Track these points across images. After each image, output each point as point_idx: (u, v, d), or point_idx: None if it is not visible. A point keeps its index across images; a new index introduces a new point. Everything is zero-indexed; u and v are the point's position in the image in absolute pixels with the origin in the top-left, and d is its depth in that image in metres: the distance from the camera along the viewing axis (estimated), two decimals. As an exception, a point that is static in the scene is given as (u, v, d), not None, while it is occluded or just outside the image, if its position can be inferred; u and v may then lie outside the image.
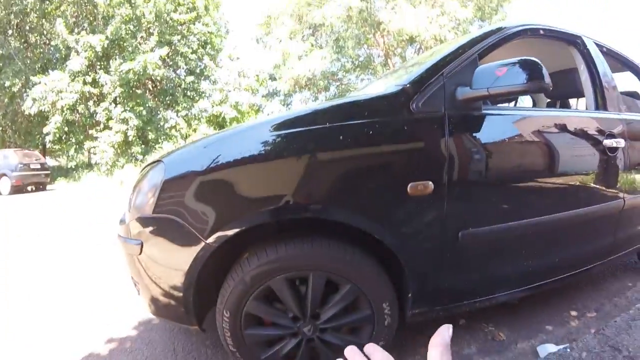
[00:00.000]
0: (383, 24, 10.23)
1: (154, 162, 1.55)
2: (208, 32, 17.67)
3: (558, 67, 2.38)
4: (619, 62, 2.65)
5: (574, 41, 2.17)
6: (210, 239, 1.32)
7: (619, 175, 2.07)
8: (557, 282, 1.94)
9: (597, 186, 1.99)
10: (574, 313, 2.18)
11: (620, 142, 2.00)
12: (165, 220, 1.37)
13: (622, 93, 2.75)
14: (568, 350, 1.72)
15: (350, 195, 1.35)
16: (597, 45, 2.30)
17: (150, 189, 1.43)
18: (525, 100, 3.46)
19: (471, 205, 1.54)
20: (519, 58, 1.40)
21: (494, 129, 1.60)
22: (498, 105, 1.58)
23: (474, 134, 1.54)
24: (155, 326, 2.20)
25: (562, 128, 1.84)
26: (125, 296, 2.59)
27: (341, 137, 1.34)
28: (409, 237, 1.44)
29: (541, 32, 2.02)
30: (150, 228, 1.43)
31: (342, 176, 1.35)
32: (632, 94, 2.82)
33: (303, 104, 18.97)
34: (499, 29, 1.82)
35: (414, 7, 9.68)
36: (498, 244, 1.65)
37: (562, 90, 2.35)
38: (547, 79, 1.39)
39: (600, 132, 1.97)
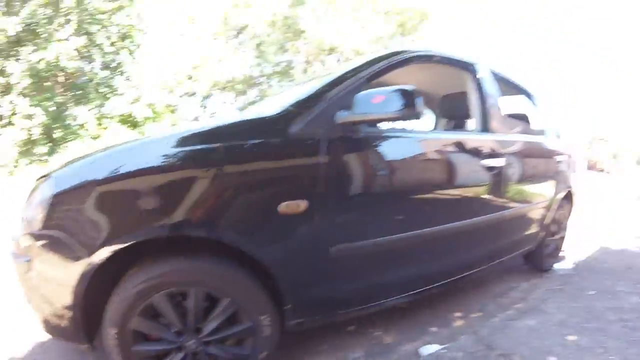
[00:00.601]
0: (305, 32, 10.39)
1: (44, 175, 1.51)
2: (129, 25, 16.40)
3: (456, 89, 2.61)
4: (512, 87, 2.99)
5: (466, 67, 2.40)
6: (96, 255, 1.31)
7: (499, 190, 2.34)
8: (442, 286, 2.13)
9: (478, 201, 2.24)
10: (458, 314, 2.38)
11: (501, 161, 2.27)
12: (53, 236, 1.34)
13: (511, 115, 3.11)
14: (445, 350, 1.89)
15: (223, 213, 1.40)
16: (492, 72, 2.58)
17: (39, 204, 1.39)
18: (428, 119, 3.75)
19: (343, 223, 1.64)
20: (395, 87, 1.54)
21: (371, 151, 1.72)
22: (380, 127, 1.72)
23: (350, 156, 1.65)
24: (51, 346, 2.04)
25: (442, 148, 2.04)
26: (22, 315, 2.32)
27: (220, 157, 1.40)
28: (282, 253, 1.52)
29: (434, 59, 2.23)
30: (39, 244, 1.38)
31: (217, 194, 1.39)
32: (521, 117, 3.13)
33: (222, 107, 18.45)
34: (392, 54, 1.97)
35: (335, 18, 10.02)
36: (373, 256, 1.78)
37: (457, 112, 2.58)
38: (419, 108, 1.53)
39: (482, 151, 2.21)
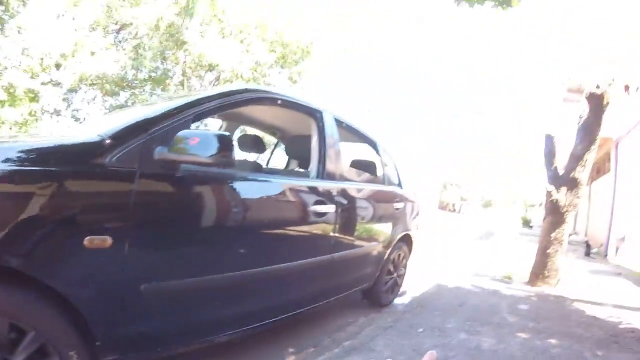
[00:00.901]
0: (187, 44, 10.04)
1: None
2: None
3: (303, 133, 2.71)
4: (358, 135, 3.20)
5: (312, 114, 2.52)
6: None
7: (330, 234, 2.46)
8: (275, 322, 2.17)
9: (305, 243, 2.34)
10: (292, 349, 2.41)
11: (331, 208, 2.39)
12: None
13: (354, 163, 3.32)
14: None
15: (26, 244, 1.27)
16: (337, 120, 2.71)
17: None
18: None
19: (156, 261, 1.60)
20: (213, 132, 1.56)
21: (189, 189, 1.70)
22: (204, 167, 1.70)
23: (165, 194, 1.62)
24: None
25: (270, 192, 2.11)
26: None
27: (24, 181, 1.27)
28: (89, 288, 1.42)
29: (279, 101, 2.28)
30: None
31: (21, 223, 1.25)
32: (363, 165, 3.30)
33: (86, 105, 16.65)
34: (234, 92, 1.99)
35: (222, 37, 9.89)
36: (190, 294, 1.74)
37: (301, 154, 2.68)
38: (232, 156, 1.58)
39: (313, 197, 2.31)
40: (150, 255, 1.57)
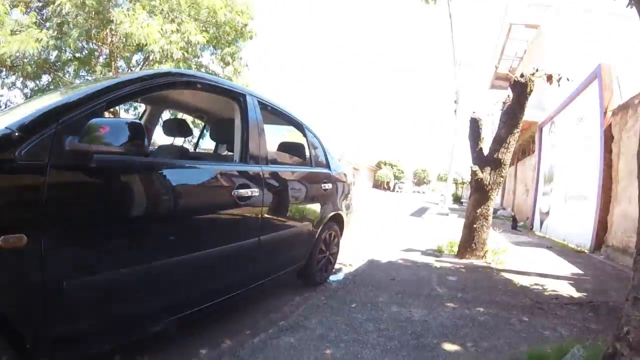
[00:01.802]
0: (113, 23, 9.39)
1: None
2: None
3: (227, 116, 2.65)
4: (284, 118, 3.19)
5: (234, 97, 2.48)
6: None
7: (256, 217, 2.46)
8: (208, 307, 2.17)
9: (230, 227, 2.33)
10: (229, 334, 2.40)
11: (255, 191, 2.38)
12: None
13: (285, 144, 3.31)
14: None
15: None
16: (261, 103, 2.69)
17: None
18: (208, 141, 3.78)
19: (76, 255, 1.53)
20: (125, 119, 1.51)
21: (104, 179, 1.64)
22: (121, 155, 1.63)
23: (79, 185, 1.56)
24: None
25: (187, 177, 2.07)
26: None
27: None
28: (11, 290, 1.34)
29: (200, 85, 2.22)
30: None
31: None
32: (296, 146, 3.38)
33: (6, 90, 15.22)
34: (156, 75, 1.91)
35: (150, 15, 9.34)
36: (114, 288, 1.69)
37: (225, 139, 2.63)
38: (145, 144, 1.53)
39: (236, 182, 2.30)
40: (69, 251, 1.50)
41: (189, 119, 5.13)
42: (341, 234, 3.97)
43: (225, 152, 3.40)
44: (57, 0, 10.21)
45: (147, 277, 1.81)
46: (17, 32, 11.18)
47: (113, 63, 11.00)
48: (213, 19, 10.20)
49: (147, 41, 8.54)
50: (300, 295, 3.30)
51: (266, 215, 2.55)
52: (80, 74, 11.70)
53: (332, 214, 3.59)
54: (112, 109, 7.04)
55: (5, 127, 1.38)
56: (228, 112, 2.60)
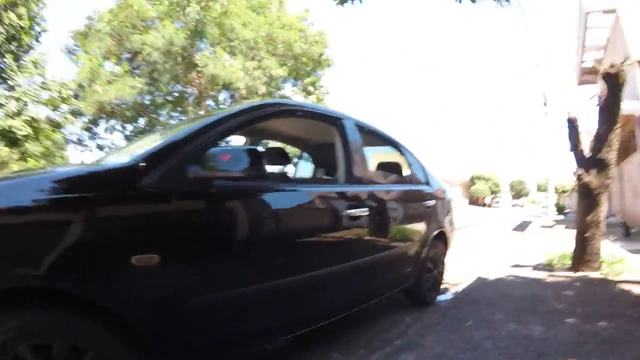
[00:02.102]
0: (199, 66, 10.26)
1: None
2: (20, 26, 14.48)
3: (325, 141, 2.74)
4: (379, 139, 3.21)
5: (332, 121, 2.55)
6: None
7: (367, 236, 2.47)
8: (318, 327, 2.18)
9: (343, 247, 2.35)
10: (342, 352, 2.43)
11: (364, 211, 2.40)
12: None
13: (383, 164, 3.33)
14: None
15: (78, 267, 1.33)
16: (358, 125, 2.74)
17: None
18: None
19: (199, 275, 1.63)
20: (243, 147, 1.64)
21: (225, 204, 1.75)
22: (236, 181, 1.74)
23: (202, 211, 1.67)
24: None
25: (303, 201, 2.14)
26: None
27: (72, 208, 1.33)
28: (142, 307, 1.46)
29: (299, 113, 2.33)
30: None
31: (71, 247, 1.31)
32: (389, 167, 3.33)
33: (109, 134, 17.17)
34: (256, 108, 2.03)
35: (231, 56, 10.05)
36: (236, 305, 1.77)
37: (325, 162, 2.71)
38: (263, 168, 1.63)
39: (345, 202, 2.33)
40: (195, 270, 1.61)
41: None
42: (446, 252, 3.86)
43: (323, 177, 3.46)
44: (145, 50, 11.41)
45: (264, 296, 1.88)
46: (112, 82, 12.62)
47: (202, 102, 11.94)
48: (290, 52, 10.73)
49: (232, 80, 9.17)
50: (410, 315, 3.23)
51: (376, 235, 2.56)
52: (173, 114, 12.88)
53: (437, 231, 3.51)
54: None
55: (132, 159, 1.53)
56: (326, 137, 2.68)
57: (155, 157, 1.55)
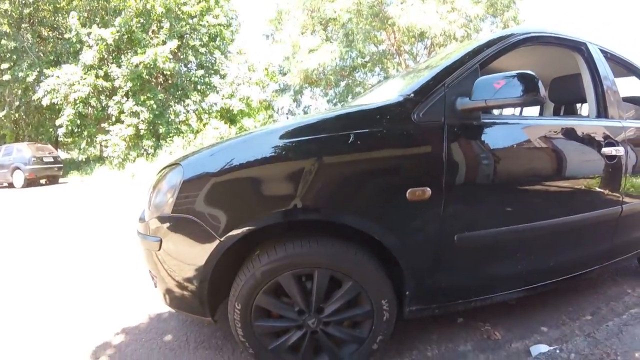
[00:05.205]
0: (392, 19, 10.19)
1: (172, 164, 1.65)
2: (218, 25, 17.60)
3: (564, 72, 2.41)
4: (623, 67, 2.65)
5: (577, 47, 2.20)
6: (224, 237, 1.43)
7: (618, 182, 2.12)
8: (554, 284, 2.01)
9: (595, 193, 2.04)
10: (569, 315, 2.22)
11: (620, 150, 2.05)
12: (183, 219, 1.48)
13: (625, 99, 2.77)
14: (558, 351, 1.78)
15: (353, 200, 1.45)
16: (602, 51, 2.32)
17: (169, 190, 1.54)
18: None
19: (468, 210, 1.62)
20: (516, 72, 1.48)
21: (493, 137, 1.67)
22: (498, 114, 1.63)
23: (472, 143, 1.62)
24: (168, 318, 2.29)
25: (561, 136, 1.91)
26: (140, 290, 2.68)
27: (346, 145, 1.44)
28: (408, 239, 1.53)
29: (546, 39, 2.07)
30: (169, 226, 1.54)
31: (346, 181, 1.44)
32: (635, 100, 2.80)
33: (313, 101, 19.04)
34: (503, 37, 1.86)
35: (423, 2, 9.65)
36: (494, 246, 1.73)
37: (567, 96, 2.38)
38: (542, 93, 1.46)
39: (600, 140, 2.02)
40: (463, 206, 1.60)
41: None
42: None
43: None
44: (336, 16, 11.88)
45: (518, 240, 1.79)
46: (312, 51, 13.69)
47: (400, 57, 11.96)
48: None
49: (429, 26, 8.84)
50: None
51: (627, 181, 2.16)
52: (372, 74, 13.31)
53: None
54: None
55: (399, 95, 1.57)
56: (568, 67, 2.35)
57: (422, 90, 1.57)
